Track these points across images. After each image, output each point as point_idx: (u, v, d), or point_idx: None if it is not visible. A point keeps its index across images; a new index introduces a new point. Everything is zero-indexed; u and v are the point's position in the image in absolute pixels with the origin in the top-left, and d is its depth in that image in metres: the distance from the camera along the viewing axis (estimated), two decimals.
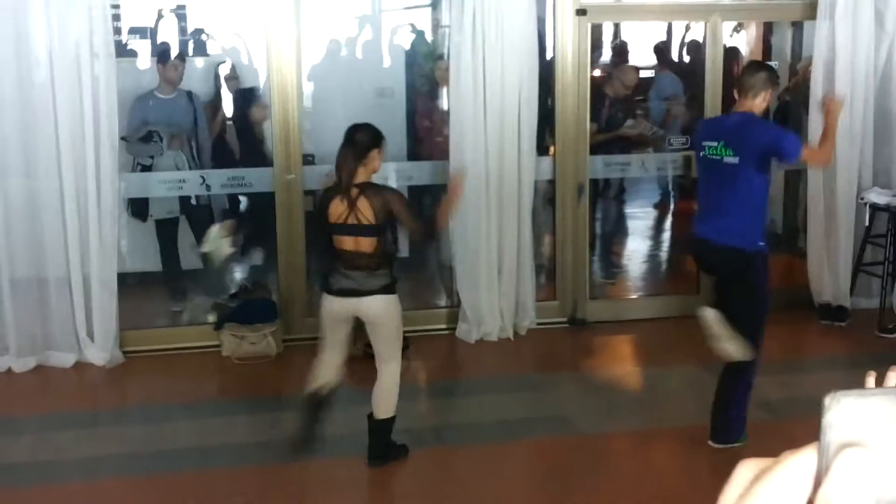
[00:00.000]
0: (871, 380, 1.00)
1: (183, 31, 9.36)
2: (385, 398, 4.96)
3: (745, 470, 0.67)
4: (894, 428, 0.60)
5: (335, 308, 4.87)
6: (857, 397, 0.61)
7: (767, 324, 5.12)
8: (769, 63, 6.67)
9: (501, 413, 5.84)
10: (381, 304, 4.82)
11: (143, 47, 8.81)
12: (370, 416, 5.01)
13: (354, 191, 4.75)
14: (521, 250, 7.12)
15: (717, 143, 5.03)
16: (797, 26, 9.43)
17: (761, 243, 5.04)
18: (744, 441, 5.18)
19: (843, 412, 0.60)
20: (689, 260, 5.44)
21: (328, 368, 4.97)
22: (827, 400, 0.60)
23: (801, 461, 0.62)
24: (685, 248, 5.29)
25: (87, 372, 6.53)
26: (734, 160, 4.94)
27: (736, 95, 5.15)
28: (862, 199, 7.28)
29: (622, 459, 5.22)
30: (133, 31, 8.20)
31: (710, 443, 5.20)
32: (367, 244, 4.78)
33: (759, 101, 5.02)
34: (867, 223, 7.32)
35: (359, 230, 4.77)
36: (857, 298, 7.44)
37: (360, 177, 4.78)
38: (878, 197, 7.18)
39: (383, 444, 5.02)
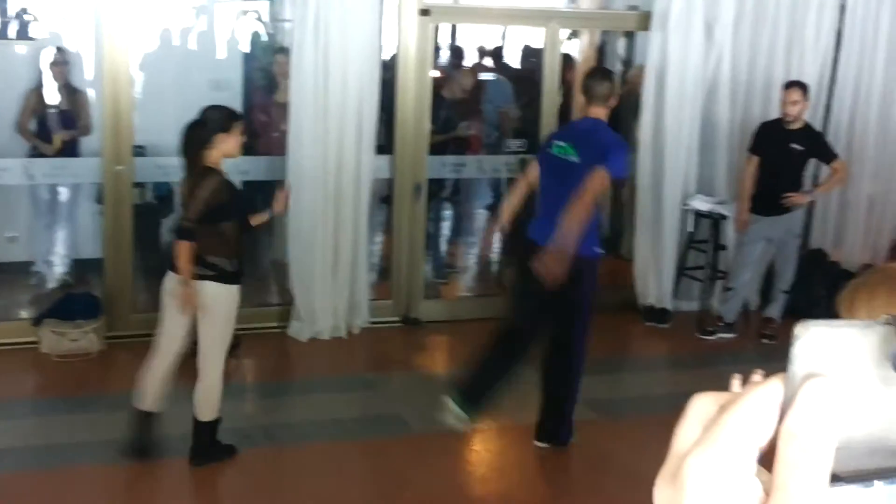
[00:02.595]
0: (736, 383, 1.01)
1: (3, 11, 8.93)
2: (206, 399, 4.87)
3: (701, 403, 0.66)
4: (861, 359, 0.59)
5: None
6: (826, 327, 0.60)
7: (594, 325, 5.23)
8: (611, 70, 6.84)
9: (334, 412, 5.79)
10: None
11: None
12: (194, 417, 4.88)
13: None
14: (356, 248, 7.07)
15: (565, 143, 5.15)
16: (629, 35, 9.73)
17: (596, 248, 5.15)
18: (573, 440, 5.28)
19: (810, 343, 0.59)
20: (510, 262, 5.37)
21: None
22: (797, 329, 0.59)
23: (768, 391, 0.62)
24: (513, 250, 5.25)
25: None
26: (576, 160, 5.06)
27: (583, 102, 5.25)
28: (686, 205, 7.55)
29: (454, 458, 5.24)
30: None
31: (535, 442, 5.28)
32: None
33: (605, 109, 5.18)
34: (690, 229, 7.60)
35: None
36: (678, 301, 7.71)
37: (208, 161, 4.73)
38: (701, 204, 7.46)
39: (206, 444, 4.90)
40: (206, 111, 4.84)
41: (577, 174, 4.98)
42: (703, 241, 7.53)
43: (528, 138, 8.22)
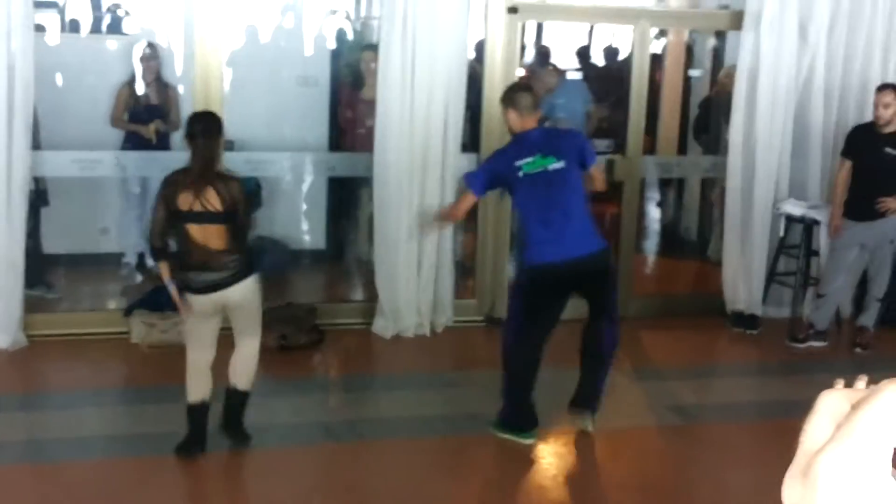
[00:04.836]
0: (861, 383, 0.97)
1: (96, 6, 9.11)
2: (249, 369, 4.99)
3: (831, 401, 0.64)
4: None
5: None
6: None
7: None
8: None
9: (418, 409, 5.79)
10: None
11: (52, 22, 8.56)
12: (231, 389, 4.98)
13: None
14: (440, 247, 7.07)
15: (531, 157, 5.11)
16: (719, 35, 9.58)
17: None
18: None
19: None
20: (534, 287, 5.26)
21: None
22: None
23: None
24: (539, 277, 5.12)
25: None
26: (560, 165, 5.08)
27: (515, 116, 5.18)
28: (777, 209, 7.40)
29: (537, 457, 5.20)
30: (40, 4, 7.93)
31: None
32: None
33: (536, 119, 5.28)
34: (782, 233, 7.45)
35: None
36: (768, 307, 7.56)
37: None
38: (793, 208, 7.30)
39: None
40: (214, 118, 4.95)
41: (568, 176, 5.08)
42: (794, 247, 7.37)
43: (615, 139, 8.15)
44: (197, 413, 4.87)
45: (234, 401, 5.00)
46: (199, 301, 4.80)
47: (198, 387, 4.85)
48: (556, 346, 5.27)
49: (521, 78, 7.89)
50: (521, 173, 5.09)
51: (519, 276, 5.15)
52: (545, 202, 5.03)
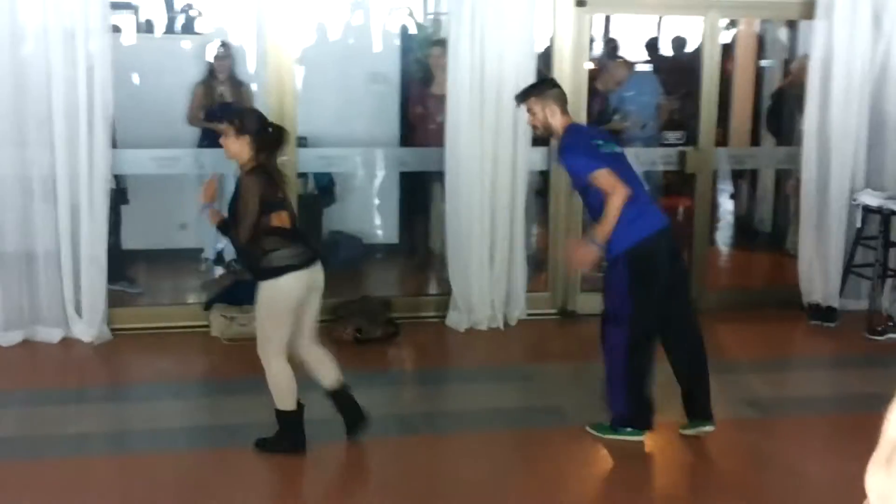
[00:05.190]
0: None
1: (170, 7, 9.27)
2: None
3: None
4: None
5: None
6: None
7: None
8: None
9: (492, 402, 5.82)
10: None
11: (128, 23, 8.74)
12: (339, 390, 4.99)
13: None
14: (513, 240, 7.10)
15: (602, 141, 5.11)
16: (792, 25, 9.46)
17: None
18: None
19: None
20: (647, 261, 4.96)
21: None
22: None
23: None
24: (653, 245, 5.00)
25: (74, 348, 6.47)
26: (621, 149, 5.19)
27: (559, 111, 5.09)
28: (854, 200, 7.30)
29: (611, 450, 5.19)
30: (117, 6, 8.09)
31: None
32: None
33: None
34: (859, 224, 7.34)
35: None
36: (846, 300, 7.46)
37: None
38: (870, 198, 7.19)
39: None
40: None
41: (626, 160, 5.13)
42: (872, 238, 7.26)
43: (686, 131, 8.09)
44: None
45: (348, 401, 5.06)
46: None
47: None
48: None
49: (590, 71, 7.86)
50: (602, 151, 5.04)
51: (619, 267, 4.98)
52: (626, 178, 4.92)
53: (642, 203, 5.01)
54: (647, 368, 5.12)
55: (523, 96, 5.17)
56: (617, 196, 4.79)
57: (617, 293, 5.01)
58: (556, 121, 5.07)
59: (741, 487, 4.79)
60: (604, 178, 4.84)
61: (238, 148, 4.69)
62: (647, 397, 5.15)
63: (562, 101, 5.13)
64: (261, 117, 4.89)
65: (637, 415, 5.15)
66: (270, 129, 4.79)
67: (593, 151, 4.99)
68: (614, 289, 5.02)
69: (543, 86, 5.29)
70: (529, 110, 5.12)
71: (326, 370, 4.95)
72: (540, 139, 7.29)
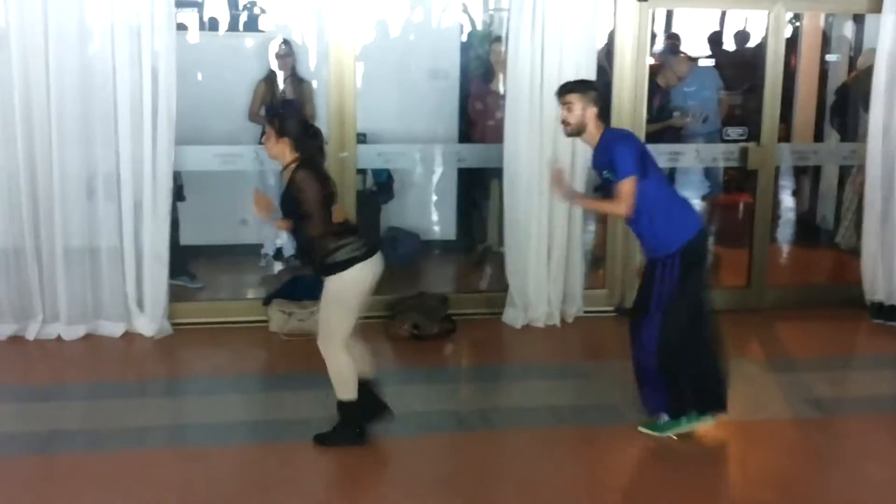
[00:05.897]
0: None
1: (234, 4, 9.38)
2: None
3: None
4: None
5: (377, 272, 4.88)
6: None
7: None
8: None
9: (548, 399, 5.81)
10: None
11: (192, 21, 8.85)
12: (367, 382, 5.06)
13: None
14: (570, 237, 7.08)
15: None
16: (858, 19, 9.30)
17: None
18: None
19: None
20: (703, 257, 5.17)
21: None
22: None
23: None
24: (700, 243, 5.13)
25: (136, 342, 6.59)
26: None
27: (597, 113, 5.08)
28: None
29: (668, 448, 5.16)
30: (181, 4, 8.21)
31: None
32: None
33: None
34: None
35: None
36: None
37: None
38: None
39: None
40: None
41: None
42: None
43: (749, 126, 8.00)
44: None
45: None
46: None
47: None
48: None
49: (651, 67, 7.80)
50: (652, 160, 5.10)
51: (674, 264, 5.00)
52: (670, 181, 5.06)
53: (684, 204, 5.19)
54: (717, 351, 5.17)
55: (567, 90, 5.15)
56: (620, 209, 5.01)
57: (667, 290, 5.02)
58: (592, 123, 5.08)
59: (802, 487, 4.74)
60: (628, 187, 4.94)
61: (279, 150, 4.80)
62: (719, 377, 5.17)
63: (599, 104, 5.14)
64: (302, 120, 4.99)
65: (714, 400, 5.18)
66: (311, 132, 4.86)
67: (645, 158, 5.06)
68: (666, 285, 5.02)
69: (586, 85, 5.28)
70: (567, 105, 5.09)
71: (362, 363, 5.04)
72: None
